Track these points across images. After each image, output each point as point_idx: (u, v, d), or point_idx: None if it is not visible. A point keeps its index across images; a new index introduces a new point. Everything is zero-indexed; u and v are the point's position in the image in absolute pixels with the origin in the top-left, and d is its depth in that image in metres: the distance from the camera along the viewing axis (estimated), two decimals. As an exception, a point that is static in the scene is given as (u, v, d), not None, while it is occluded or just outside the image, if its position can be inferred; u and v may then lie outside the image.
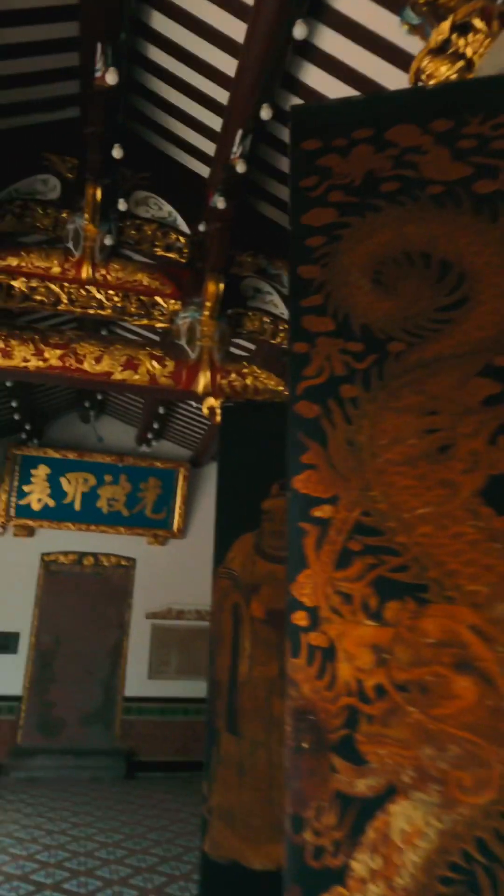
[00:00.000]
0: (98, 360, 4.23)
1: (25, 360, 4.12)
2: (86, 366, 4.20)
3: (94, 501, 9.63)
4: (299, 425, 1.93)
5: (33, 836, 6.06)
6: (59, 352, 4.17)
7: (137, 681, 9.28)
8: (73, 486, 9.58)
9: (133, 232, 4.64)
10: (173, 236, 4.72)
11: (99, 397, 8.72)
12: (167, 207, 4.73)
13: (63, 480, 9.55)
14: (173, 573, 9.80)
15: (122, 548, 9.73)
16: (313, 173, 2.20)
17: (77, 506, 9.56)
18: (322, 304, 2.06)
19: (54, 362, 4.16)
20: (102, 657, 9.25)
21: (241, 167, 3.81)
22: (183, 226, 4.76)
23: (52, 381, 4.83)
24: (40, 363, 4.14)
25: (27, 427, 9.02)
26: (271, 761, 3.43)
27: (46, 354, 4.15)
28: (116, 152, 3.70)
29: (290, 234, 2.21)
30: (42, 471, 9.50)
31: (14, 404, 7.94)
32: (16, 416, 8.07)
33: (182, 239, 4.74)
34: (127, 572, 9.69)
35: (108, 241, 4.25)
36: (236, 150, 3.84)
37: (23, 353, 4.11)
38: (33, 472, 9.47)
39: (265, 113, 3.49)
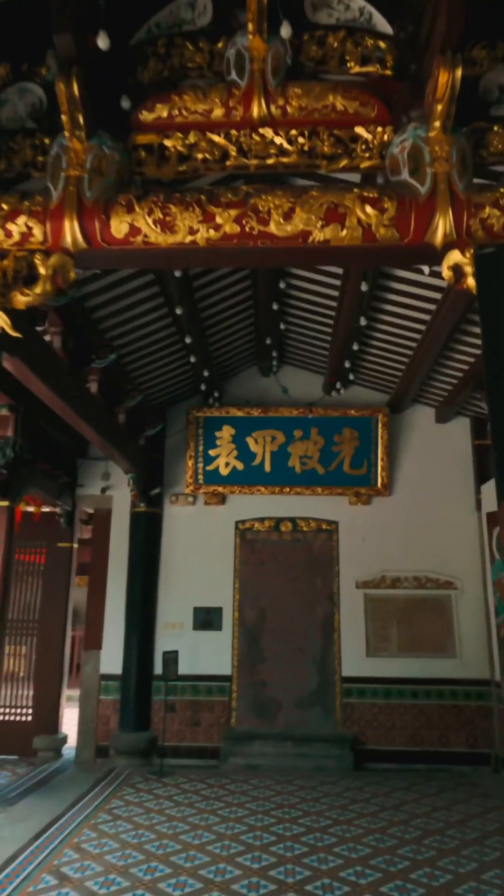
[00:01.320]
0: (288, 215, 2.97)
1: (192, 232, 3.00)
2: (272, 227, 2.97)
3: (285, 461, 8.59)
4: None
5: (264, 842, 5.13)
6: (234, 212, 2.98)
7: (355, 659, 8.12)
8: (261, 446, 8.63)
9: (314, 48, 3.33)
10: (370, 42, 3.32)
11: (282, 327, 7.52)
12: (357, 3, 3.34)
13: (250, 441, 8.63)
14: (383, 536, 8.46)
15: (321, 510, 8.59)
16: None
17: (267, 467, 8.59)
18: None
19: (230, 228, 2.98)
20: (313, 633, 8.22)
21: None
22: (382, 24, 3.34)
23: (230, 261, 3.69)
24: (212, 233, 2.99)
25: (207, 386, 8.22)
26: None
27: (219, 219, 2.98)
28: None
29: None
30: (226, 432, 8.66)
31: (191, 358, 7.13)
32: (192, 360, 7.19)
33: (382, 43, 3.33)
34: (329, 537, 8.54)
35: (284, 31, 2.97)
36: None
37: (188, 221, 2.99)
38: (217, 434, 8.67)
39: None
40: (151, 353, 7.22)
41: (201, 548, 8.51)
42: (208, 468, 8.63)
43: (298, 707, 7.98)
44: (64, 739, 8.18)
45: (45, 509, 8.85)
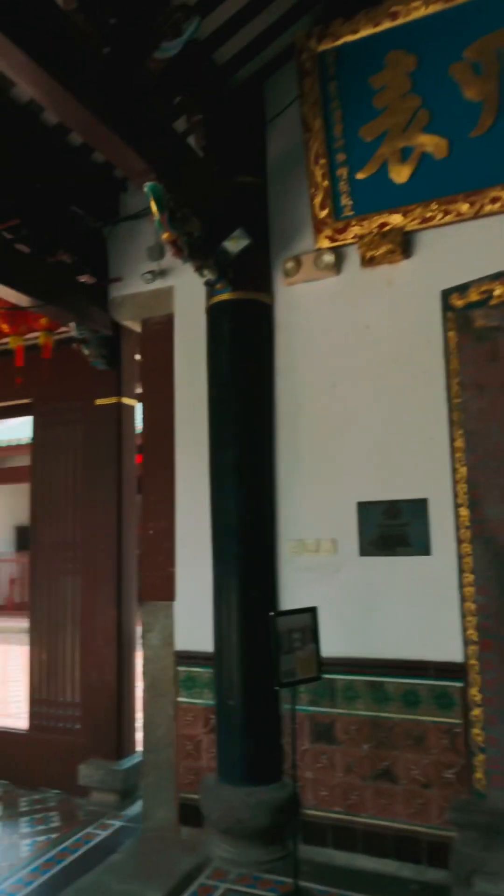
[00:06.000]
0: None
1: None
2: None
3: None
4: None
5: None
6: None
7: None
8: (493, 81, 3.27)
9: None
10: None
11: None
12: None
13: (457, 72, 3.33)
14: None
15: None
16: None
17: (513, 133, 3.25)
18: None
19: None
20: None
21: None
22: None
23: None
24: None
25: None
26: None
27: None
28: None
29: None
30: (397, 69, 3.46)
31: None
32: None
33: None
34: None
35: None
36: None
37: None
38: (375, 82, 3.52)
39: None
40: None
41: (365, 367, 3.61)
42: (358, 176, 3.58)
43: None
44: (134, 770, 4.17)
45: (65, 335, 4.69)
